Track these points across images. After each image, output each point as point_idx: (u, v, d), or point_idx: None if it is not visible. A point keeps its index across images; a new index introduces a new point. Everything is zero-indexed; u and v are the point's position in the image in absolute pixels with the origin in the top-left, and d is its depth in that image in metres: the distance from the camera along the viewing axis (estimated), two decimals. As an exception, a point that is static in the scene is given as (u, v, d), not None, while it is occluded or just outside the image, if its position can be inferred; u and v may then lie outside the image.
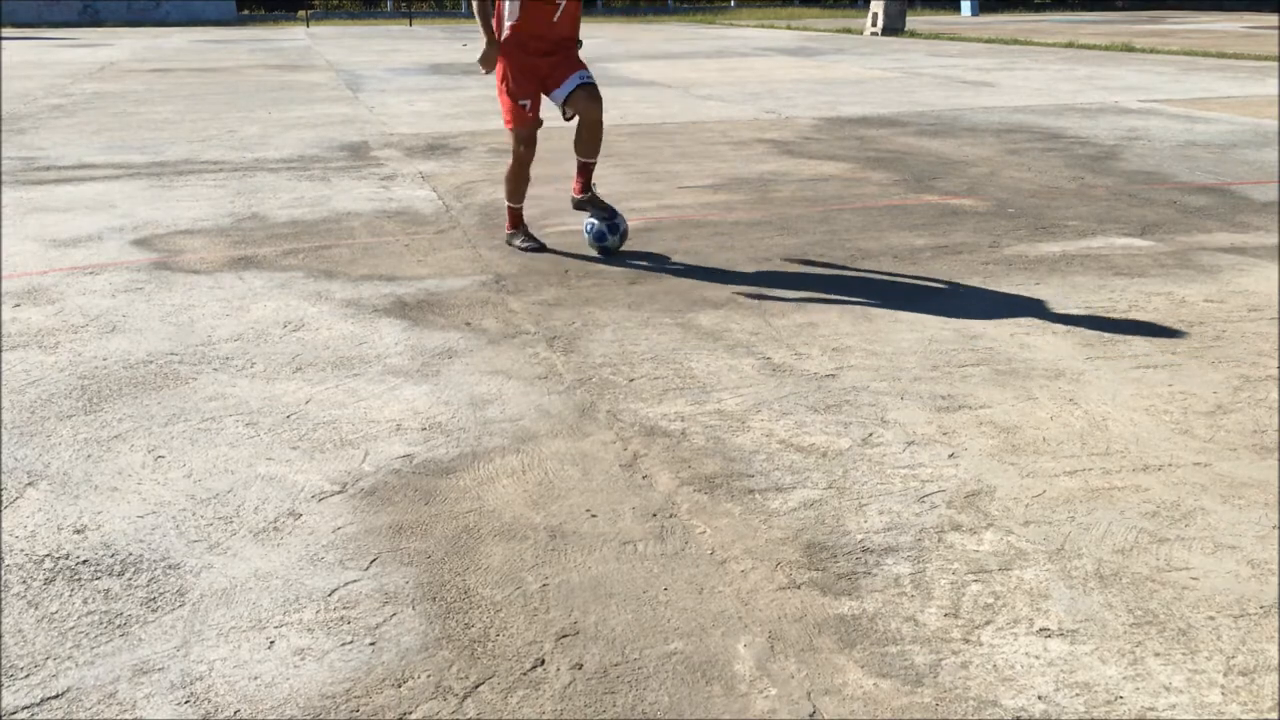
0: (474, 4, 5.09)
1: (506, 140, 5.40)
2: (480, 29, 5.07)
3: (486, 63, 5.10)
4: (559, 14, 5.05)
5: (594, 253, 5.32)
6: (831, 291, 4.69)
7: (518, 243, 5.47)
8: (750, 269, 5.07)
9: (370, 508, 2.82)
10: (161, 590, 2.45)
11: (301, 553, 2.60)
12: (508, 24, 5.06)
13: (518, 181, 5.39)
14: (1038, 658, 2.18)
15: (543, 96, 5.19)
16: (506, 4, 5.04)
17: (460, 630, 2.30)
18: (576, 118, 5.20)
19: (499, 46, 5.08)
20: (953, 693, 2.08)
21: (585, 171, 5.29)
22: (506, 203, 5.49)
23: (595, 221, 5.28)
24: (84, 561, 2.57)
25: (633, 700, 2.08)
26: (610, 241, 5.30)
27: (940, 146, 8.65)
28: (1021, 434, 3.23)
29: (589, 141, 5.22)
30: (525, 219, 5.60)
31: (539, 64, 5.10)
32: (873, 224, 5.96)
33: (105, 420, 3.39)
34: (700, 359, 3.89)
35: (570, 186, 5.39)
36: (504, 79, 5.14)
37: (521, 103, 5.10)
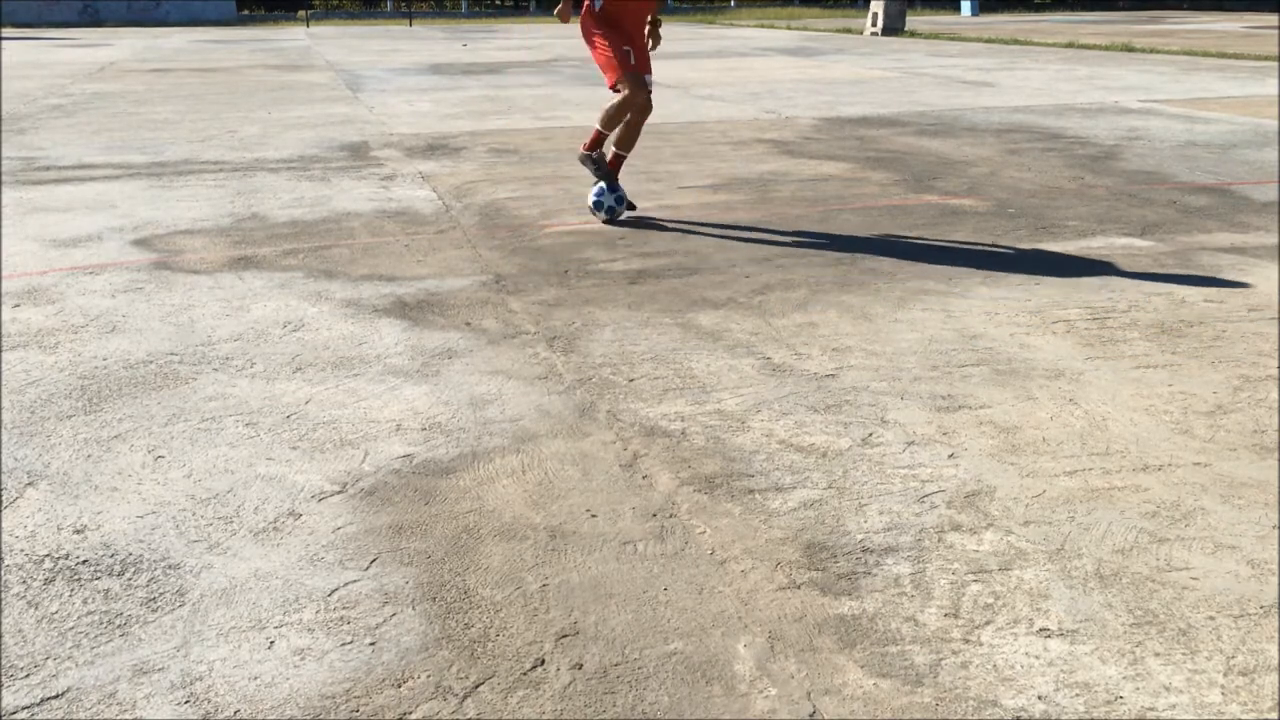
0: None
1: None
2: None
3: (562, 13, 5.69)
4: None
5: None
6: (831, 291, 4.69)
7: (589, 166, 5.92)
8: (750, 269, 5.07)
9: (370, 508, 2.82)
10: (161, 590, 2.45)
11: (301, 553, 2.61)
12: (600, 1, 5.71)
13: (620, 117, 5.80)
14: (1038, 658, 2.18)
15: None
16: None
17: (460, 630, 2.30)
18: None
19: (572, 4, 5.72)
20: (953, 693, 2.08)
21: (617, 161, 5.95)
22: (597, 127, 5.89)
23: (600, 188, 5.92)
24: (84, 561, 2.57)
25: (633, 700, 2.08)
26: (606, 200, 5.91)
27: (940, 146, 8.65)
28: (1021, 434, 3.23)
29: (629, 137, 5.87)
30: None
31: (628, 33, 5.74)
32: (873, 224, 5.96)
33: (105, 420, 3.39)
34: (700, 359, 3.89)
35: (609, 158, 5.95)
36: (601, 43, 5.74)
37: (625, 49, 5.65)
